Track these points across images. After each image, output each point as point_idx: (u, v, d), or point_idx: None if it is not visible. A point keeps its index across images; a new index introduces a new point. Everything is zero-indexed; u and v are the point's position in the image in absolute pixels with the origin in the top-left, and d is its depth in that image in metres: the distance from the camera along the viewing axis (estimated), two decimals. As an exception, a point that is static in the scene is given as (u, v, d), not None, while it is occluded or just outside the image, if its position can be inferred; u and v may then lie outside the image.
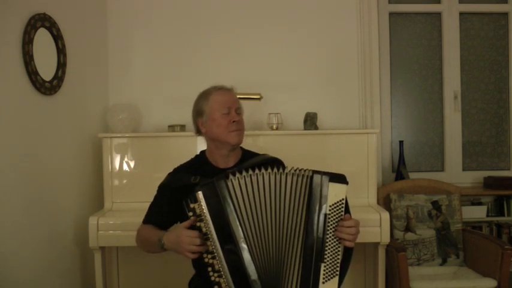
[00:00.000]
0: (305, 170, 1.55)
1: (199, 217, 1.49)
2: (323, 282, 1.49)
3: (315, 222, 1.50)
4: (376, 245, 2.44)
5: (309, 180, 1.53)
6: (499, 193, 3.01)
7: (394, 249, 2.34)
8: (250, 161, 1.72)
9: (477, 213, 3.02)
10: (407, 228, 2.65)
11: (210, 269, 1.49)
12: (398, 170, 2.99)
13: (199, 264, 1.56)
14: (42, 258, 2.19)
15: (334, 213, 1.52)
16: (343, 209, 1.54)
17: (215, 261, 1.48)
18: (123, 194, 2.57)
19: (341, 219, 1.53)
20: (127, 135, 2.63)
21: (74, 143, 2.53)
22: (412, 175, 3.02)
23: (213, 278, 1.49)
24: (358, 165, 2.59)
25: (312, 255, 1.49)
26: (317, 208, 1.51)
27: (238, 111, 1.75)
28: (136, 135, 2.65)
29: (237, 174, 1.53)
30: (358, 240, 2.35)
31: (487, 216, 3.03)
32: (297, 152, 2.52)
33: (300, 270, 1.50)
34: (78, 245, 2.50)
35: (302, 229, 1.51)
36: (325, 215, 1.50)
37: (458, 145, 3.21)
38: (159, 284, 2.68)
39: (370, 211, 2.45)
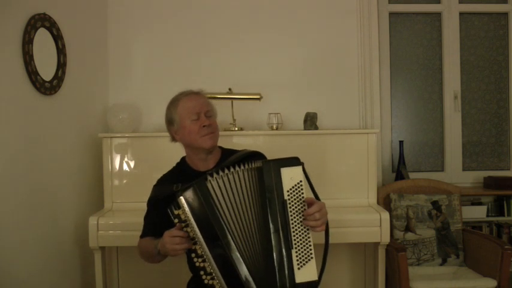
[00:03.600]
0: (257, 162, 1.56)
1: (185, 222, 1.50)
2: (298, 268, 1.49)
3: (276, 210, 1.51)
4: (376, 245, 2.44)
5: (258, 171, 1.55)
6: (499, 193, 3.00)
7: (394, 249, 2.34)
8: (230, 159, 1.72)
9: (477, 213, 3.02)
10: (407, 228, 2.65)
11: (202, 272, 1.50)
12: (398, 170, 2.99)
13: (193, 267, 1.56)
14: (42, 258, 2.19)
15: (294, 197, 1.52)
16: (302, 191, 1.53)
17: (206, 264, 1.49)
18: (123, 194, 2.56)
19: (303, 201, 1.53)
20: (127, 135, 2.63)
21: (74, 143, 2.53)
22: (412, 175, 3.02)
23: (206, 281, 1.50)
24: (358, 165, 2.59)
25: (281, 243, 1.50)
26: (274, 196, 1.51)
27: (209, 114, 1.74)
28: (136, 135, 2.65)
29: (215, 175, 1.54)
30: (358, 240, 2.39)
31: (487, 216, 3.03)
32: (297, 152, 2.48)
33: (275, 261, 1.50)
34: (78, 245, 2.50)
35: (269, 220, 1.51)
36: (284, 201, 1.51)
37: (458, 145, 3.21)
38: (159, 284, 2.68)
39: (370, 211, 2.45)
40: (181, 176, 1.75)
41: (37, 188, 2.18)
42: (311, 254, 1.51)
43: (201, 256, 1.49)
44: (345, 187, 2.59)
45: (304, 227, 1.52)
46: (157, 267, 2.68)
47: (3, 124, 1.94)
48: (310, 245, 1.52)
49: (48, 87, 2.24)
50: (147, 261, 1.77)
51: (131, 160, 2.59)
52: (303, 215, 1.52)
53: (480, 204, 3.06)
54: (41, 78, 2.18)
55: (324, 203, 1.58)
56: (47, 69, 2.24)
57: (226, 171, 1.55)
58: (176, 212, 1.50)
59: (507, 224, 3.01)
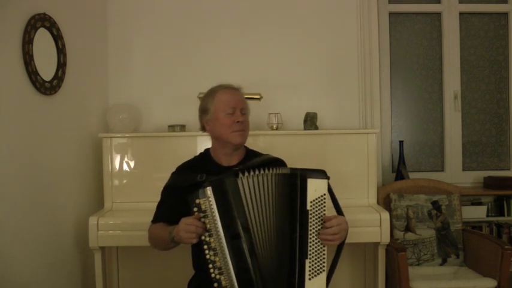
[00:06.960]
0: (285, 168, 1.58)
1: (204, 213, 1.49)
2: (309, 279, 1.50)
3: (297, 219, 1.52)
4: (376, 245, 2.44)
5: (285, 178, 1.55)
6: (499, 193, 3.00)
7: (394, 249, 2.34)
8: (255, 160, 1.73)
9: (477, 213, 3.02)
10: (407, 228, 2.65)
11: (211, 265, 1.49)
12: (398, 170, 2.99)
13: (199, 261, 1.56)
14: (42, 258, 2.19)
15: (316, 209, 1.53)
16: (324, 204, 1.54)
17: (217, 258, 1.48)
18: (123, 194, 2.57)
19: (324, 214, 1.54)
20: (127, 135, 2.63)
21: (74, 143, 2.53)
22: (412, 175, 3.02)
23: (213, 275, 1.49)
24: (358, 165, 2.59)
25: (296, 251, 1.50)
26: (298, 205, 1.53)
27: (244, 111, 1.76)
28: (136, 135, 2.65)
29: (246, 173, 1.54)
30: (358, 240, 2.39)
31: (487, 216, 3.03)
32: (297, 152, 2.51)
33: (287, 267, 1.51)
34: (78, 245, 2.50)
35: (288, 227, 1.53)
36: (306, 211, 1.52)
37: (458, 145, 3.21)
38: (159, 284, 2.68)
39: (370, 211, 2.45)
40: (202, 167, 1.75)
41: (37, 188, 2.17)
42: (323, 266, 1.52)
43: (214, 249, 1.48)
44: (345, 187, 2.59)
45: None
46: (157, 267, 2.70)
47: (3, 124, 1.94)
48: (324, 258, 1.53)
49: (48, 87, 2.24)
50: (156, 247, 1.75)
51: (131, 160, 2.59)
52: (321, 228, 1.53)
53: (480, 204, 3.06)
54: (41, 78, 2.18)
55: (345, 218, 1.59)
56: (47, 69, 2.24)
57: (256, 172, 1.55)
58: (197, 201, 1.50)
59: (507, 224, 3.01)
